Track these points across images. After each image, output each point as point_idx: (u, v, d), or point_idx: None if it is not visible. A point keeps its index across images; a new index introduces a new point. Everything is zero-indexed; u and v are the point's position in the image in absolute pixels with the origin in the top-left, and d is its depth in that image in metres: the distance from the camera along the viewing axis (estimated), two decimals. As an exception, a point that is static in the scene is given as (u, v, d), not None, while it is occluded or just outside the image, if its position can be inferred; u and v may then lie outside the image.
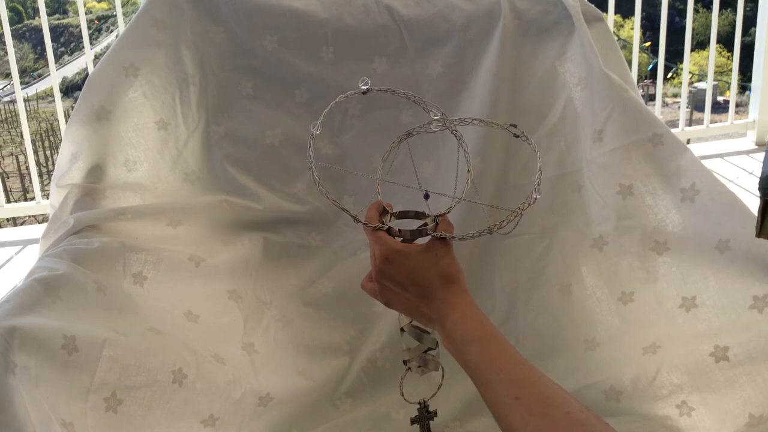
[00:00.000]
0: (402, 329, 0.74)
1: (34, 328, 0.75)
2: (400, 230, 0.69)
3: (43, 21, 2.23)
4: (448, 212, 0.73)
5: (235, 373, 1.00)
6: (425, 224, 0.72)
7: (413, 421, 0.79)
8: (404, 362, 0.75)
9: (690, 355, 0.97)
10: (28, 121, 2.36)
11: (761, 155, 2.44)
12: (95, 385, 0.80)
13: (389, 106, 1.14)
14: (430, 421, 0.79)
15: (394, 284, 0.67)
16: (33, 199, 2.28)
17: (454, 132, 0.75)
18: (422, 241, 0.70)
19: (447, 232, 0.68)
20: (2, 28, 2.11)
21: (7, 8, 2.15)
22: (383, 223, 0.69)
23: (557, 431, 0.52)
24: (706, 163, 1.13)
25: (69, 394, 0.77)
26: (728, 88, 3.77)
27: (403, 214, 0.74)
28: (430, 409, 0.79)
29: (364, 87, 0.71)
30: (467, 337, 0.62)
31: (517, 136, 0.72)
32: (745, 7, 2.58)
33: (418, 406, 0.78)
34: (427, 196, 0.72)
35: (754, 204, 0.75)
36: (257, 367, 1.05)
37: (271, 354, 1.08)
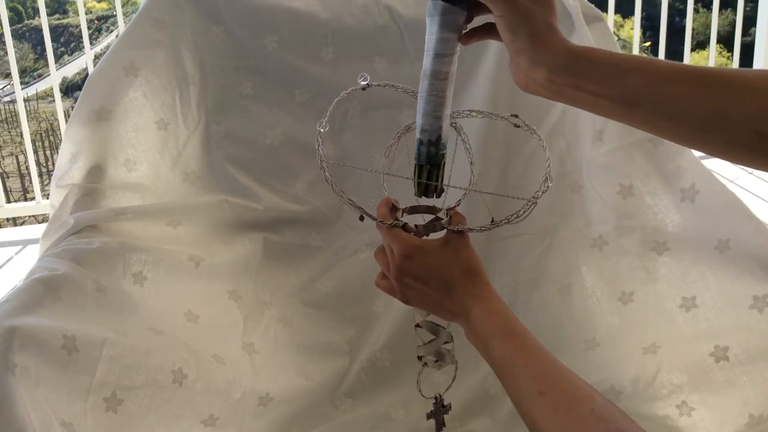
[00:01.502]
0: (417, 325, 0.73)
1: (34, 328, 0.75)
2: (416, 225, 0.69)
3: (43, 21, 2.22)
4: (458, 205, 0.73)
5: (235, 373, 1.00)
6: (437, 218, 0.72)
7: (429, 416, 0.79)
8: (419, 358, 0.75)
9: (690, 355, 0.97)
10: (28, 121, 2.36)
11: (761, 155, 2.43)
12: (95, 385, 0.80)
13: (390, 105, 1.14)
14: (445, 415, 0.79)
15: (415, 281, 0.67)
16: (33, 199, 2.28)
17: (453, 124, 0.75)
18: (435, 235, 0.69)
19: (461, 224, 0.68)
20: (2, 28, 2.11)
21: (7, 8, 2.15)
22: (397, 220, 0.69)
23: (581, 427, 0.52)
24: (706, 163, 1.13)
25: (69, 394, 0.77)
26: (728, 88, 3.76)
27: (414, 209, 0.74)
28: (444, 403, 0.79)
29: (363, 83, 0.71)
30: (492, 330, 0.61)
31: (518, 126, 0.72)
32: (745, 7, 2.58)
33: (433, 401, 0.78)
34: (441, 190, 0.71)
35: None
36: (257, 367, 1.05)
37: (271, 354, 1.08)
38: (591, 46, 0.58)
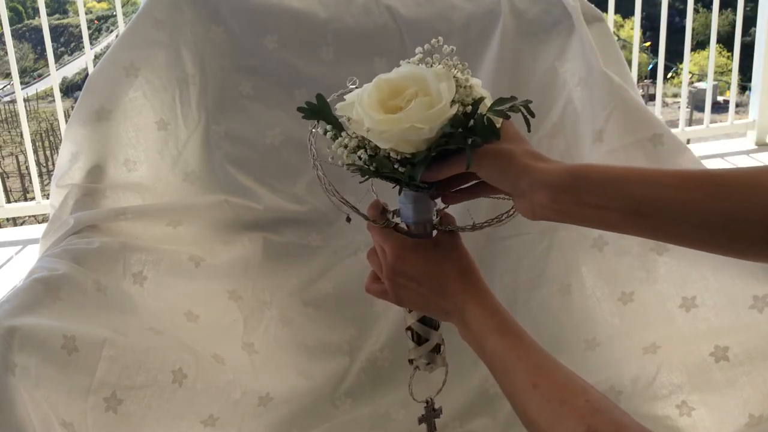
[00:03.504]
0: (409, 328, 0.74)
1: (34, 328, 0.75)
2: (407, 226, 0.69)
3: (43, 21, 2.22)
4: (446, 207, 0.73)
5: (235, 373, 1.00)
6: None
7: (421, 420, 0.79)
8: (410, 361, 0.75)
9: (690, 355, 0.97)
10: (28, 121, 2.36)
11: (762, 155, 2.44)
12: (95, 385, 0.80)
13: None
14: (436, 419, 0.80)
15: (408, 281, 0.67)
16: (33, 199, 2.27)
17: None
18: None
19: (451, 224, 0.69)
20: (2, 28, 2.11)
21: (7, 8, 2.15)
22: (388, 221, 0.69)
23: (576, 418, 0.52)
24: (706, 163, 1.13)
25: (69, 394, 0.77)
26: (728, 88, 3.77)
27: None
28: (435, 406, 0.79)
29: (353, 87, 0.72)
30: (486, 327, 0.62)
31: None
32: (745, 7, 2.58)
33: (425, 405, 0.79)
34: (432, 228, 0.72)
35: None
36: (257, 367, 1.05)
37: (271, 354, 1.08)
38: (589, 163, 0.60)
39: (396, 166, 0.61)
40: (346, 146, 0.62)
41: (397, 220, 0.70)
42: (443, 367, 0.74)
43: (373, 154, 0.61)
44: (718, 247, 0.54)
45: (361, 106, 0.61)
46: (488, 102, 0.62)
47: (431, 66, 0.64)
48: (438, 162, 0.61)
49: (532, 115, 0.62)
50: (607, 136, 1.02)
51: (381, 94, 0.62)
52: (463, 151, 0.58)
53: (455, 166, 0.60)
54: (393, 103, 0.61)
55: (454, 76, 0.62)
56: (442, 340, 0.73)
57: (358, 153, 0.61)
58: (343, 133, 0.63)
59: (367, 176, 0.63)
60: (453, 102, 0.60)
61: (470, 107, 0.60)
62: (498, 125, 0.61)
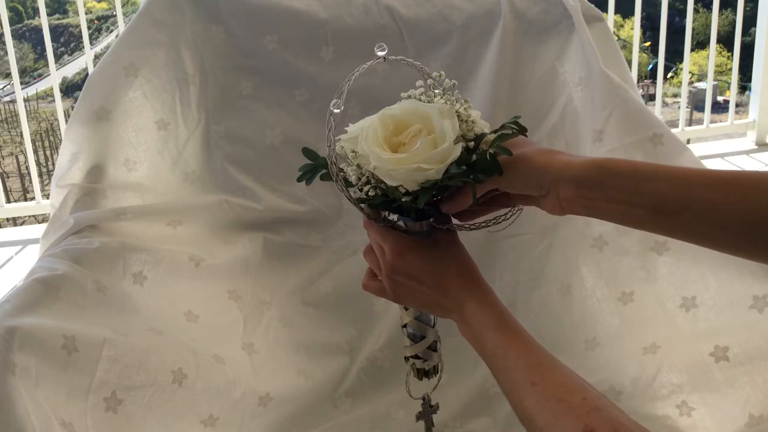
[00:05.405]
0: (405, 326, 0.74)
1: (34, 328, 0.75)
2: (405, 224, 0.69)
3: (43, 21, 2.22)
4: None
5: (235, 373, 1.00)
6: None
7: (419, 417, 0.79)
8: (406, 359, 0.75)
9: (690, 355, 0.98)
10: (28, 121, 2.36)
11: (761, 155, 2.44)
12: (95, 385, 0.81)
13: (389, 105, 1.13)
14: (433, 415, 0.80)
15: (408, 278, 0.67)
16: (33, 199, 2.27)
17: None
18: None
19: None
20: (2, 28, 2.11)
21: (7, 8, 2.15)
22: (386, 219, 0.69)
23: (573, 416, 0.52)
24: (706, 163, 1.13)
25: (69, 394, 0.77)
26: (728, 88, 3.77)
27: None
28: (432, 403, 0.79)
29: (381, 53, 0.72)
30: (485, 323, 0.62)
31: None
32: (745, 7, 2.58)
33: (421, 402, 0.79)
34: None
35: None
36: (257, 367, 1.05)
37: (271, 354, 1.08)
38: (612, 157, 0.58)
39: (403, 199, 0.62)
40: (359, 180, 0.64)
41: (394, 217, 0.70)
42: (438, 363, 0.74)
43: (382, 186, 0.63)
44: (741, 250, 0.53)
45: (367, 142, 0.62)
46: (488, 132, 0.63)
47: (432, 99, 0.64)
48: (452, 194, 0.62)
49: (525, 130, 0.63)
50: (607, 136, 1.02)
51: (386, 130, 0.62)
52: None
53: (467, 197, 0.62)
54: (397, 139, 0.62)
55: (456, 111, 0.62)
56: (438, 337, 0.73)
57: (367, 188, 0.63)
58: (352, 169, 0.64)
59: (376, 208, 0.66)
60: (456, 139, 0.60)
61: (472, 142, 0.61)
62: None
